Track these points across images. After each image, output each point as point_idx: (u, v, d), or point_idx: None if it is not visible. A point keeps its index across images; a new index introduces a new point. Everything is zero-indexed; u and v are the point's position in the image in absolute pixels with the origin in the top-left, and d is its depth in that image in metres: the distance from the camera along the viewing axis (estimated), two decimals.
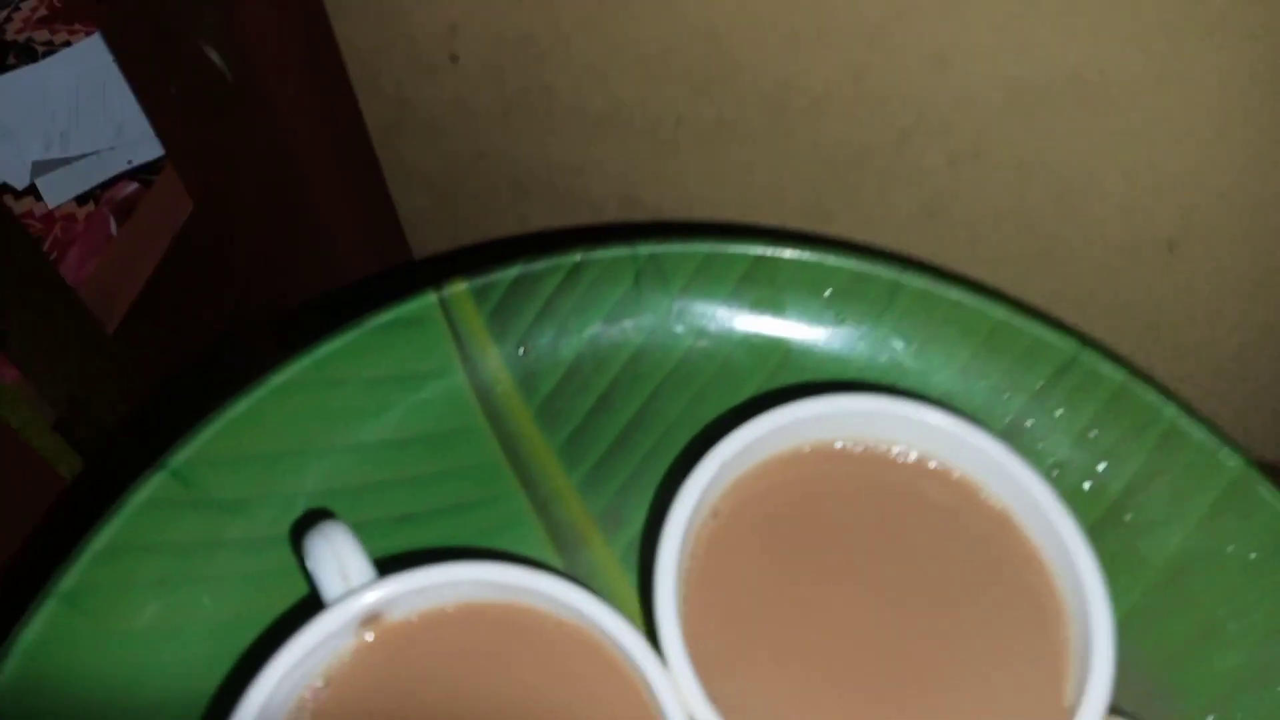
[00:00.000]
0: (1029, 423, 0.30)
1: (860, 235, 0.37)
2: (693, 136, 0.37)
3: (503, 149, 0.41)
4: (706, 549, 0.24)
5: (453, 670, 0.22)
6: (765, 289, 0.32)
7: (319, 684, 0.22)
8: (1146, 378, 0.29)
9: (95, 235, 0.58)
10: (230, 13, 0.36)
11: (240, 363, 0.50)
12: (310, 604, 0.23)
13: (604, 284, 0.32)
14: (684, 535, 0.23)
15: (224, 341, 0.52)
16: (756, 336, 0.32)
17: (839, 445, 0.25)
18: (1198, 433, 0.28)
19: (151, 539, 0.27)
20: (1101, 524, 0.28)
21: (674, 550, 0.23)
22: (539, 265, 0.32)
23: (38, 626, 0.25)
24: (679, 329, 0.32)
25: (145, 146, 0.63)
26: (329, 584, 0.22)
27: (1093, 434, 0.29)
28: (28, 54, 0.72)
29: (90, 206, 0.60)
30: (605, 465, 0.30)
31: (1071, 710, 0.21)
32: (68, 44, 0.72)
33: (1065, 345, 0.30)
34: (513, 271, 0.32)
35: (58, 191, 0.61)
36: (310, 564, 0.23)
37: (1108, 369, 0.29)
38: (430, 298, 0.31)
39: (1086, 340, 0.30)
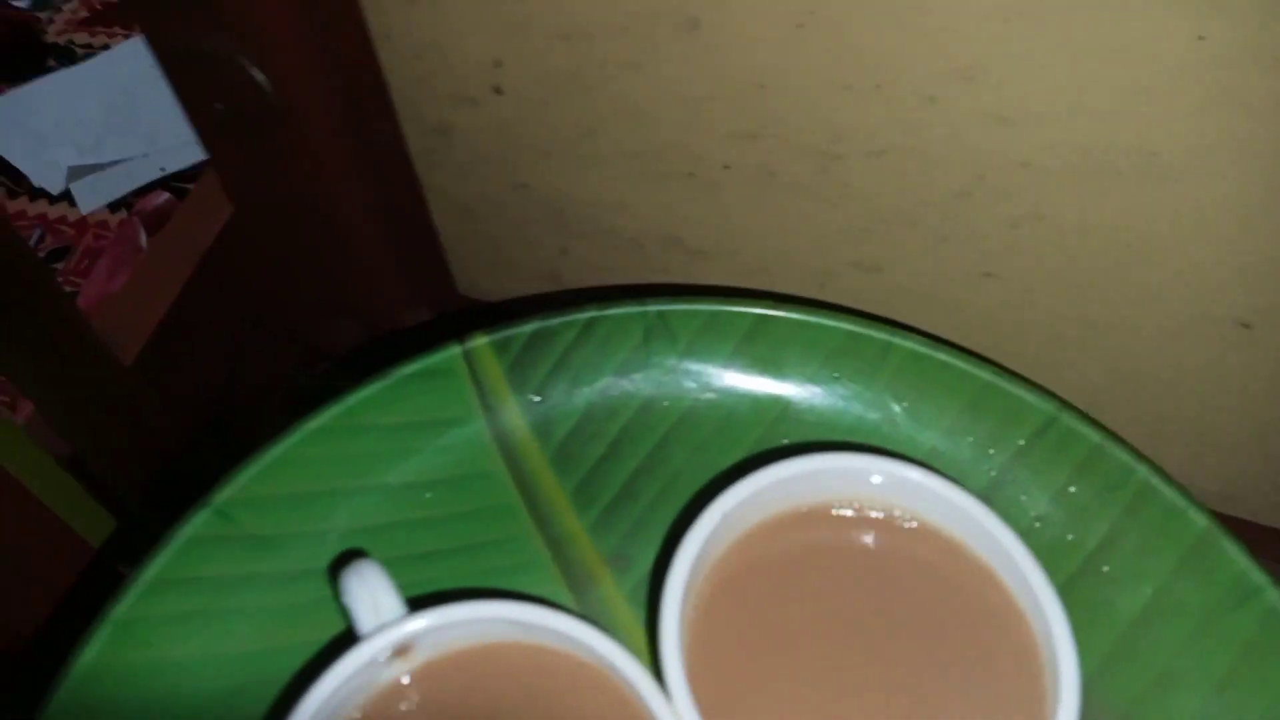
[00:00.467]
0: (1011, 477, 0.32)
1: (911, 291, 0.38)
2: (738, 181, 0.37)
3: (544, 182, 0.41)
4: (709, 598, 0.27)
5: (481, 706, 0.24)
6: (766, 346, 0.34)
7: (356, 716, 0.24)
8: (1120, 440, 0.31)
9: (125, 246, 0.58)
10: (272, 35, 0.38)
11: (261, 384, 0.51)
12: (344, 637, 0.26)
13: (615, 339, 0.35)
14: (686, 585, 0.25)
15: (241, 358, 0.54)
16: (758, 391, 0.34)
17: (834, 511, 0.28)
18: (1167, 491, 0.31)
19: (195, 572, 0.29)
20: (1080, 574, 0.31)
21: (677, 598, 0.25)
22: (555, 321, 0.35)
23: (92, 653, 0.27)
24: (685, 382, 0.35)
25: (179, 154, 0.63)
26: (363, 617, 0.25)
27: (1071, 489, 0.32)
28: (67, 56, 0.73)
29: (122, 214, 0.61)
30: (614, 509, 0.33)
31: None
32: (106, 47, 0.73)
33: (1045, 406, 0.32)
34: (531, 326, 0.34)
35: (91, 198, 0.62)
36: (346, 599, 0.25)
37: (1084, 429, 0.32)
38: (454, 350, 0.34)
39: (1065, 403, 0.32)
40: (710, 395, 0.35)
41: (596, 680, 0.25)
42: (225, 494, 0.30)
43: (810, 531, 0.27)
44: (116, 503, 0.40)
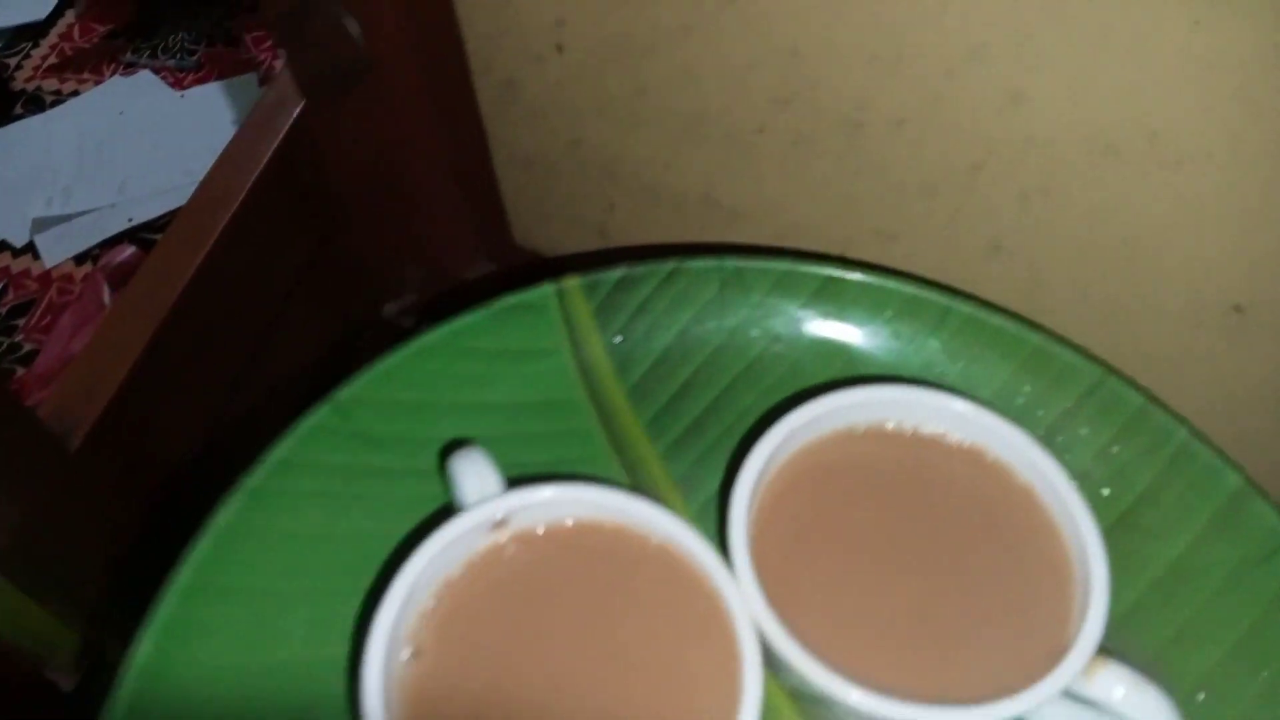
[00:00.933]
0: (1058, 439, 0.35)
1: (925, 261, 0.40)
2: (772, 146, 0.40)
3: (597, 138, 0.44)
4: (771, 502, 0.30)
5: (568, 572, 0.28)
6: (832, 305, 0.38)
7: (458, 572, 0.28)
8: (1162, 404, 0.34)
9: (89, 302, 0.55)
10: None
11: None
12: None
13: (694, 289, 0.38)
14: (752, 488, 0.29)
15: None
16: (822, 345, 0.38)
17: (889, 426, 0.31)
18: (1204, 451, 0.33)
19: (316, 458, 0.33)
20: (1115, 527, 0.33)
21: (745, 497, 0.28)
22: (640, 269, 0.38)
23: (228, 516, 0.31)
24: (755, 333, 0.38)
25: (147, 204, 0.61)
26: (468, 490, 0.29)
27: (1113, 449, 0.35)
28: (35, 103, 0.70)
29: (88, 266, 0.58)
30: (685, 440, 0.36)
31: (1070, 644, 0.26)
32: (76, 93, 0.70)
33: (1092, 371, 0.35)
34: (618, 272, 0.38)
35: (56, 250, 0.59)
36: (453, 473, 0.29)
37: (1128, 393, 0.35)
38: (549, 288, 0.38)
39: (1110, 368, 0.35)
40: (778, 347, 0.38)
41: (670, 560, 0.28)
42: (345, 392, 0.34)
43: (865, 447, 0.31)
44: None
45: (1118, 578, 0.29)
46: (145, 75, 0.72)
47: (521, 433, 0.36)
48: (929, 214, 0.39)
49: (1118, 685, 0.25)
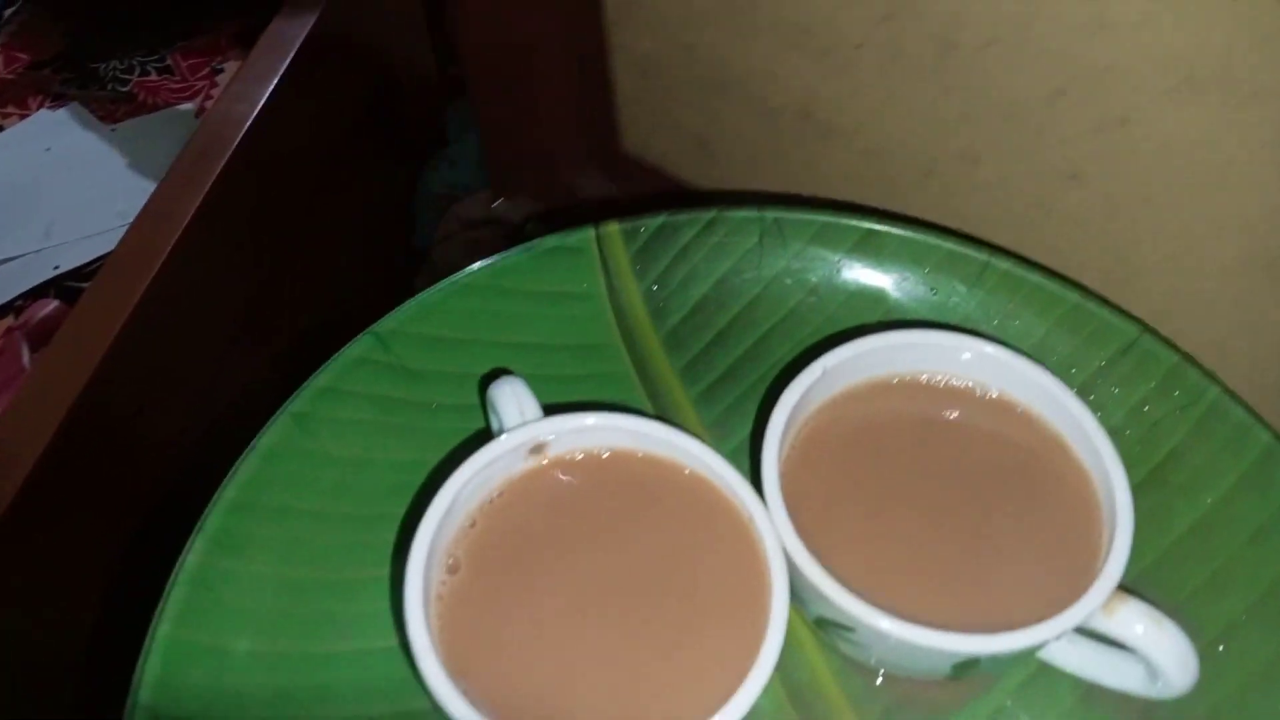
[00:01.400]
0: (1091, 396, 0.36)
1: (1005, 185, 0.40)
2: (869, 62, 0.40)
3: (710, 44, 0.45)
4: (803, 443, 0.31)
5: (603, 497, 0.29)
6: (871, 258, 0.39)
7: (496, 494, 0.30)
8: (1195, 361, 0.35)
9: (7, 364, 0.51)
10: None
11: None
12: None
13: (733, 239, 0.40)
14: (785, 423, 0.30)
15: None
16: (859, 297, 0.39)
17: (923, 379, 0.32)
18: (1236, 410, 0.34)
19: (357, 388, 0.35)
20: (1145, 483, 0.34)
21: (778, 431, 0.30)
22: (680, 216, 0.40)
23: (272, 438, 0.33)
24: (791, 284, 0.39)
25: (75, 250, 0.57)
26: (508, 415, 0.30)
27: (1146, 408, 0.35)
28: None
29: (9, 320, 0.53)
30: (718, 387, 0.37)
31: (1096, 577, 0.27)
32: (0, 129, 0.65)
33: (1128, 328, 0.36)
34: (658, 219, 0.40)
35: None
36: (493, 399, 0.31)
37: (1163, 351, 0.35)
38: (589, 232, 0.39)
39: (1146, 326, 0.36)
40: (814, 299, 0.39)
41: (703, 489, 0.29)
42: (386, 324, 0.36)
43: (898, 396, 0.32)
44: None
45: (1144, 532, 0.29)
46: (74, 108, 0.67)
47: (556, 374, 0.37)
48: (1011, 139, 0.39)
49: (1137, 621, 0.26)
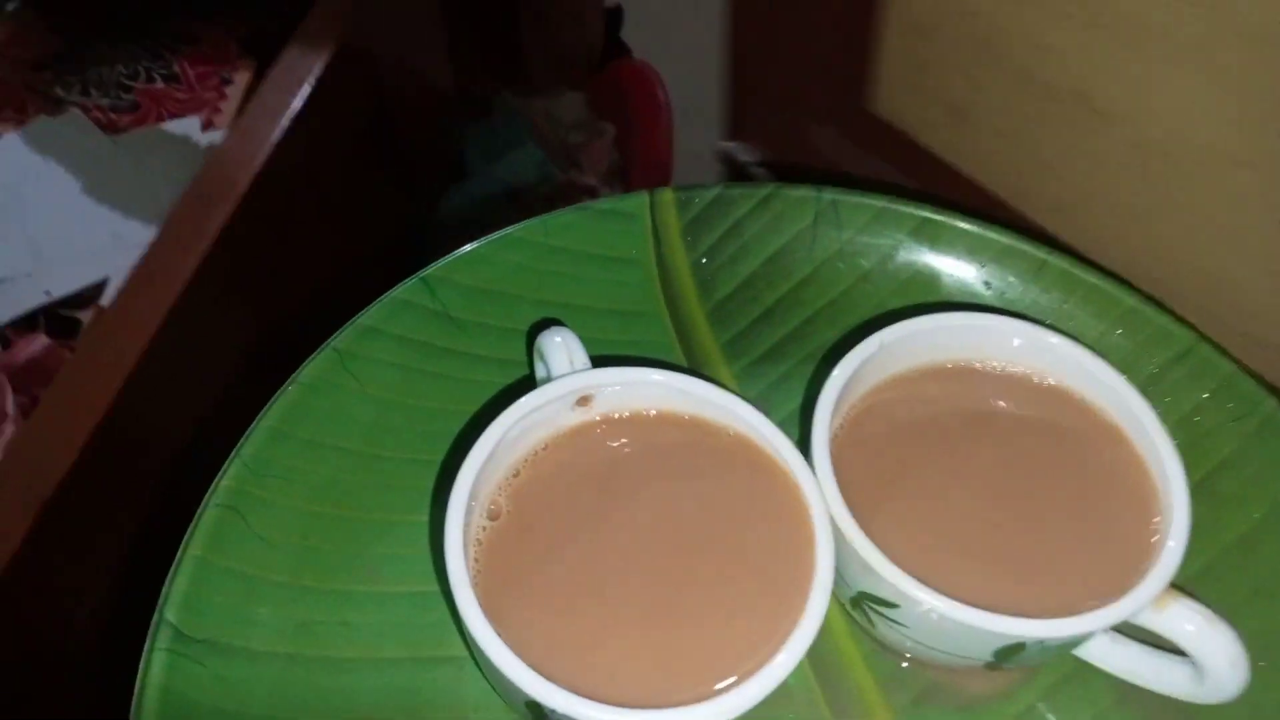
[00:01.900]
0: None
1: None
2: (1169, 43, 0.37)
3: (989, 14, 0.43)
4: (854, 421, 0.31)
5: (650, 455, 0.29)
6: (927, 247, 0.39)
7: (539, 445, 0.30)
8: (1251, 372, 0.35)
9: None
10: None
11: None
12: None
13: (787, 217, 0.40)
14: (839, 395, 0.30)
15: None
16: (911, 287, 0.39)
17: (978, 364, 0.32)
18: None
19: (399, 331, 0.35)
20: (1194, 492, 0.34)
21: (833, 395, 0.30)
22: (736, 190, 0.40)
23: (314, 369, 0.33)
24: (843, 268, 0.39)
25: (66, 273, 0.53)
26: (557, 364, 0.30)
27: (1197, 417, 0.35)
28: None
29: None
30: (762, 363, 0.38)
31: (1146, 575, 0.27)
32: None
33: (1184, 335, 0.36)
34: (714, 191, 0.40)
35: None
36: (542, 347, 0.31)
37: (1219, 360, 0.35)
38: (643, 197, 0.39)
39: (1202, 334, 0.36)
40: (865, 285, 0.39)
41: (751, 452, 0.29)
42: (434, 270, 0.36)
43: (952, 380, 0.32)
44: None
45: (1190, 541, 0.30)
46: (74, 116, 0.63)
47: (598, 338, 0.37)
48: None
49: (1189, 620, 0.26)
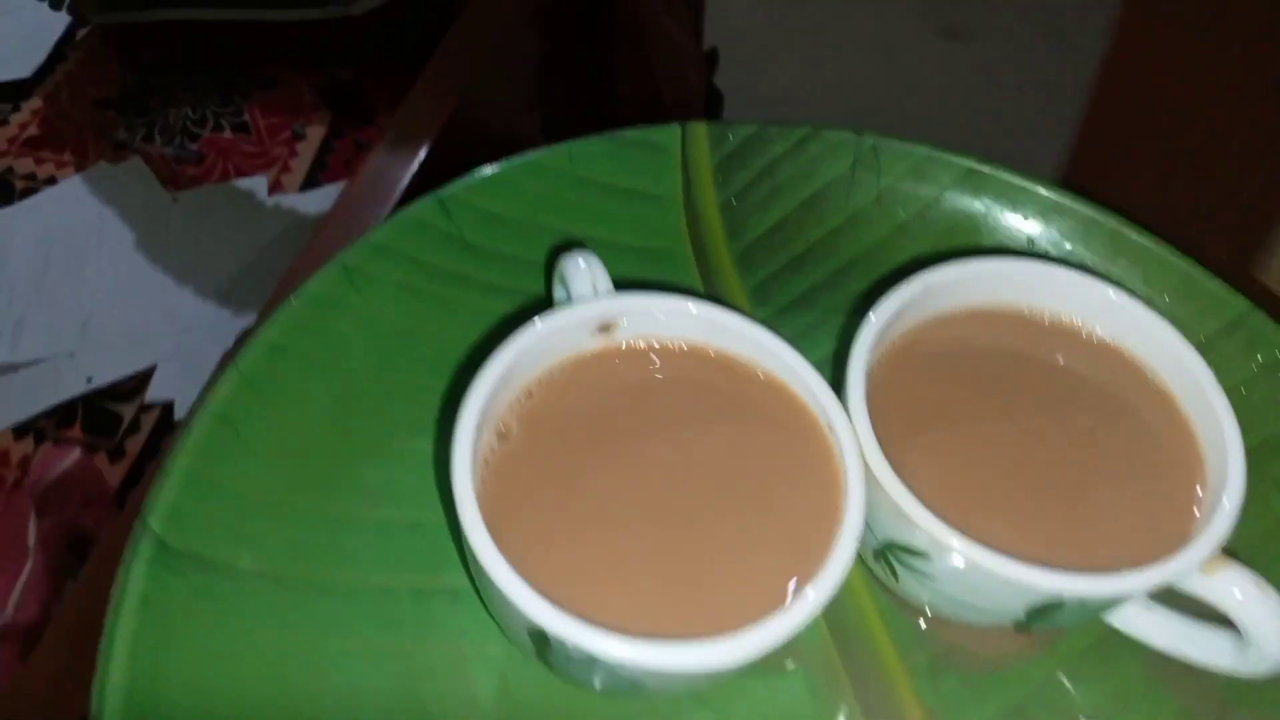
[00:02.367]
0: None
1: None
2: None
3: None
4: (891, 363, 0.30)
5: (673, 388, 0.28)
6: (969, 199, 0.38)
7: (556, 369, 0.28)
8: None
9: (8, 536, 0.38)
10: None
11: None
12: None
13: (824, 160, 0.38)
14: (877, 336, 0.29)
15: None
16: (951, 240, 0.38)
17: (1026, 311, 0.31)
18: None
19: (411, 251, 0.34)
20: None
21: (872, 335, 0.28)
22: (772, 129, 0.38)
23: (320, 283, 0.32)
24: (878, 218, 0.38)
25: (111, 358, 0.50)
26: (579, 287, 0.29)
27: (1243, 390, 0.34)
28: (3, 189, 0.57)
29: (27, 443, 0.44)
30: (790, 310, 0.36)
31: (1194, 538, 0.26)
32: (53, 180, 0.58)
33: (1238, 304, 0.35)
34: (750, 128, 0.38)
35: None
36: (564, 269, 0.30)
37: (1273, 331, 0.34)
38: (675, 128, 0.38)
39: (1255, 304, 0.35)
40: (902, 237, 0.38)
41: (780, 392, 0.28)
42: (451, 190, 0.35)
43: (999, 325, 0.30)
44: None
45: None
46: (135, 165, 0.59)
47: (619, 277, 0.36)
48: None
49: (1237, 586, 0.25)
